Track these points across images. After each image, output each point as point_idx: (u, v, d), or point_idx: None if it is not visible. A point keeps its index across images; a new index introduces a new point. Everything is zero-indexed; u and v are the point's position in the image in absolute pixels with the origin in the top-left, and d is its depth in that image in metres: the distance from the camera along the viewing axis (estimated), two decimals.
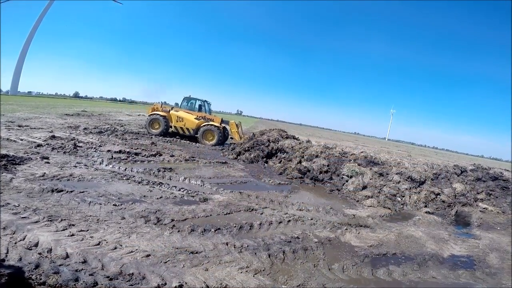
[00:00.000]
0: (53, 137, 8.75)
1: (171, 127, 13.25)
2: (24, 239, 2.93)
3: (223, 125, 13.50)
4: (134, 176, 5.96)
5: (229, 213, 4.68)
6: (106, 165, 6.53)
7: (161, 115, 13.13)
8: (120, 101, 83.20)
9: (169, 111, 13.45)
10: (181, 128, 13.14)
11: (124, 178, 5.74)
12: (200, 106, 14.03)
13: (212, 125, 12.97)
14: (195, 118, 13.25)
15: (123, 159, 7.35)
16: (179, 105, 14.21)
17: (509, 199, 8.29)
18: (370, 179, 8.25)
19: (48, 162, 6.00)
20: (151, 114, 13.46)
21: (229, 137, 14.50)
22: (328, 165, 9.02)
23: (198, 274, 2.84)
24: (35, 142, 7.76)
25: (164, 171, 6.75)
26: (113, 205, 4.25)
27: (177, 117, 13.13)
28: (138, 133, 12.99)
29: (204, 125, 12.98)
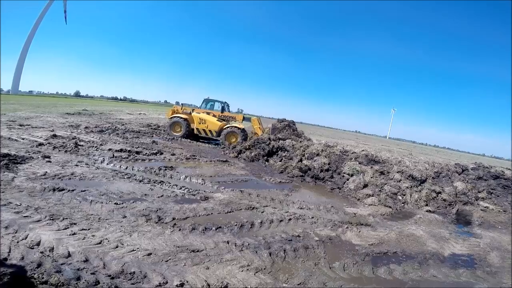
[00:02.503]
0: (54, 136, 8.77)
1: (192, 129, 13.04)
2: (26, 238, 2.95)
3: (242, 126, 13.36)
4: (135, 175, 5.97)
5: (230, 212, 4.70)
6: (107, 164, 6.54)
7: (182, 118, 12.96)
8: (121, 99, 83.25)
9: (190, 113, 13.25)
10: (204, 130, 12.99)
11: (126, 177, 5.76)
12: (222, 108, 13.81)
13: (235, 127, 12.77)
14: (217, 120, 13.08)
15: (124, 158, 7.37)
16: (199, 107, 14.05)
17: (510, 198, 8.27)
18: (371, 177, 8.24)
19: (50, 161, 6.02)
20: (172, 117, 13.26)
21: (254, 133, 13.92)
22: (329, 164, 9.01)
23: (199, 273, 2.85)
24: (36, 141, 7.78)
25: (165, 169, 6.76)
26: (115, 203, 4.27)
27: (200, 119, 12.94)
28: (139, 132, 13.01)
29: (227, 127, 12.76)
